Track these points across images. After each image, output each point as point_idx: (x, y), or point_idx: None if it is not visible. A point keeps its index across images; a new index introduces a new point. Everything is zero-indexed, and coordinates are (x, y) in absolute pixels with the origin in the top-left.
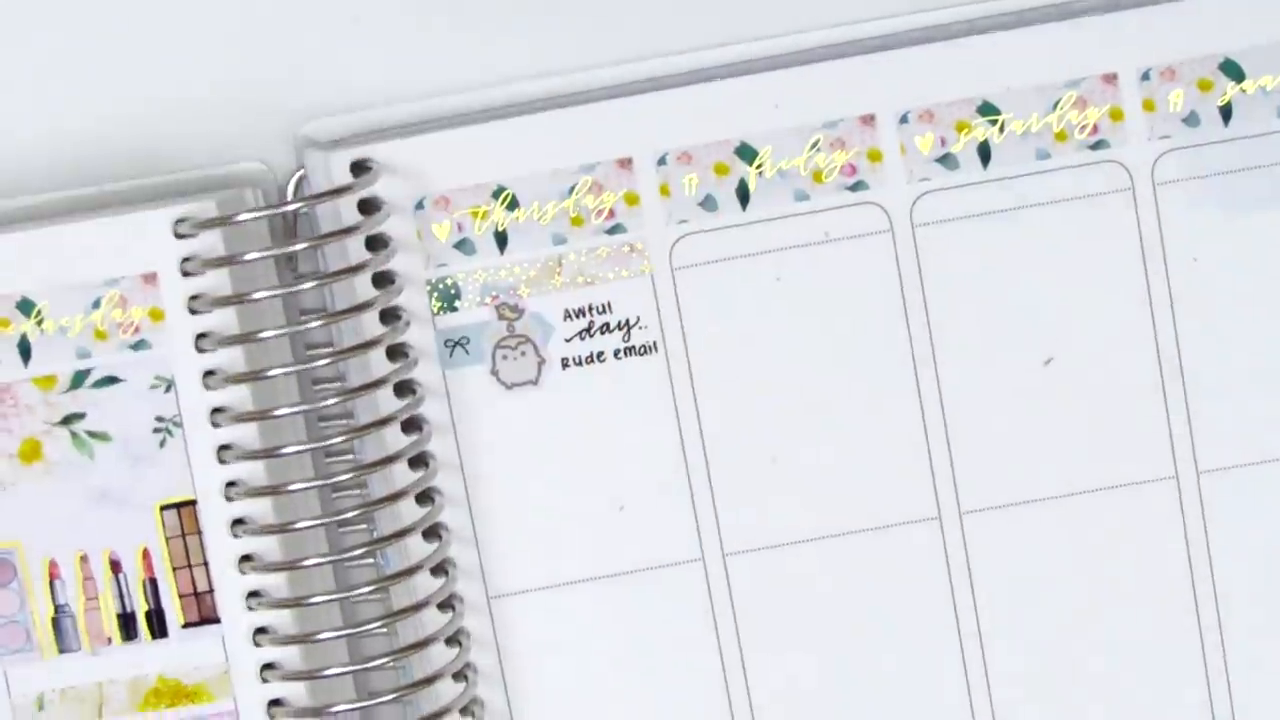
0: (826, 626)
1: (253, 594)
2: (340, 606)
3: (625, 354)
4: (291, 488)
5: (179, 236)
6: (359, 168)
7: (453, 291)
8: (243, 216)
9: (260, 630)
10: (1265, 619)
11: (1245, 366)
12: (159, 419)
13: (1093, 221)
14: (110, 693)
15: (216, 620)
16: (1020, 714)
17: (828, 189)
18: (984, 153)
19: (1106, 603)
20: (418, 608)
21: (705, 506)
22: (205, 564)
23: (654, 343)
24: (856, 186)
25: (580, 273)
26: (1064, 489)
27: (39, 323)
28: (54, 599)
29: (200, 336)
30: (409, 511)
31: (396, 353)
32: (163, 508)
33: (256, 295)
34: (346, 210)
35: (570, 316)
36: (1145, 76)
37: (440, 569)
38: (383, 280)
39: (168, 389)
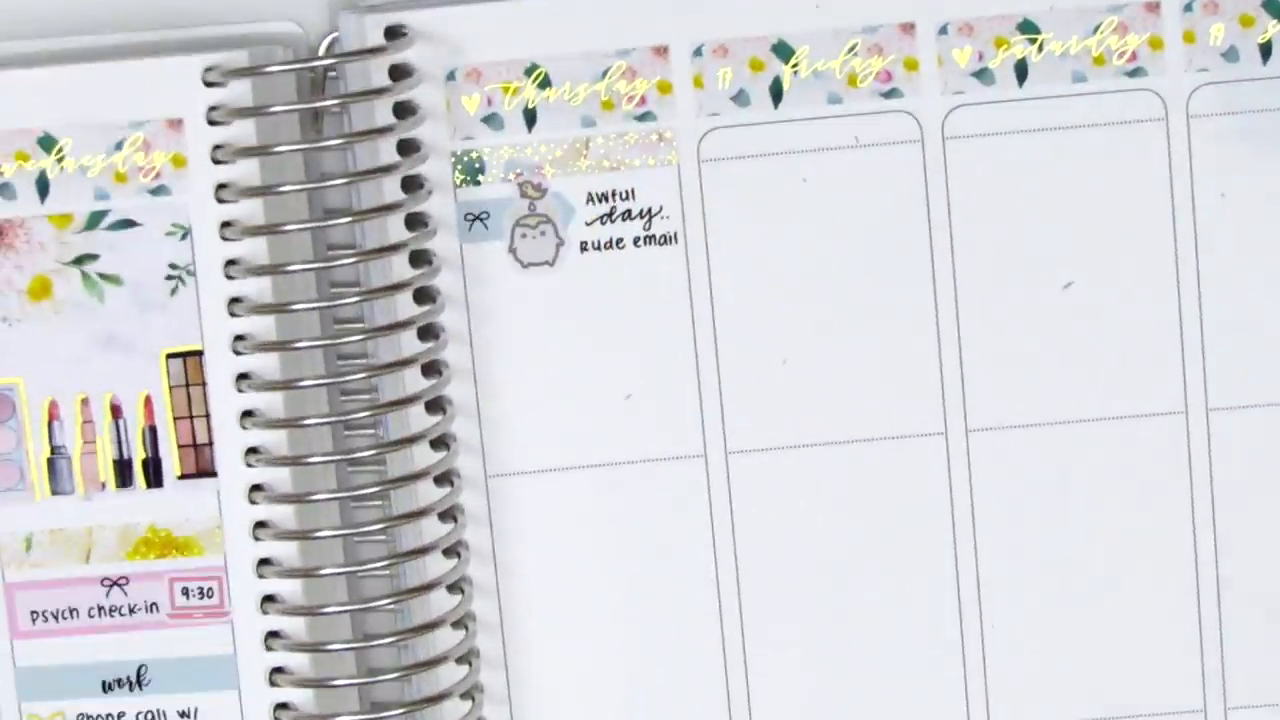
0: (823, 533)
1: (252, 450)
2: (335, 470)
3: (645, 242)
4: (298, 344)
5: (208, 84)
6: (393, 33)
7: (477, 165)
8: (273, 68)
9: (256, 488)
10: (1262, 559)
11: (1264, 306)
12: (173, 266)
13: (1124, 149)
14: (100, 538)
15: (213, 474)
16: (1009, 633)
17: (861, 94)
18: (1021, 71)
19: (1104, 531)
20: (421, 515)
21: (712, 403)
22: (207, 416)
23: (674, 233)
24: (890, 94)
25: (606, 157)
26: (1072, 415)
27: (59, 160)
28: (51, 440)
29: (221, 187)
30: (413, 381)
31: (415, 222)
32: (169, 356)
33: (280, 148)
34: (377, 74)
35: (593, 200)
36: (1188, 8)
37: (441, 442)
38: (407, 149)
39: (184, 236)
